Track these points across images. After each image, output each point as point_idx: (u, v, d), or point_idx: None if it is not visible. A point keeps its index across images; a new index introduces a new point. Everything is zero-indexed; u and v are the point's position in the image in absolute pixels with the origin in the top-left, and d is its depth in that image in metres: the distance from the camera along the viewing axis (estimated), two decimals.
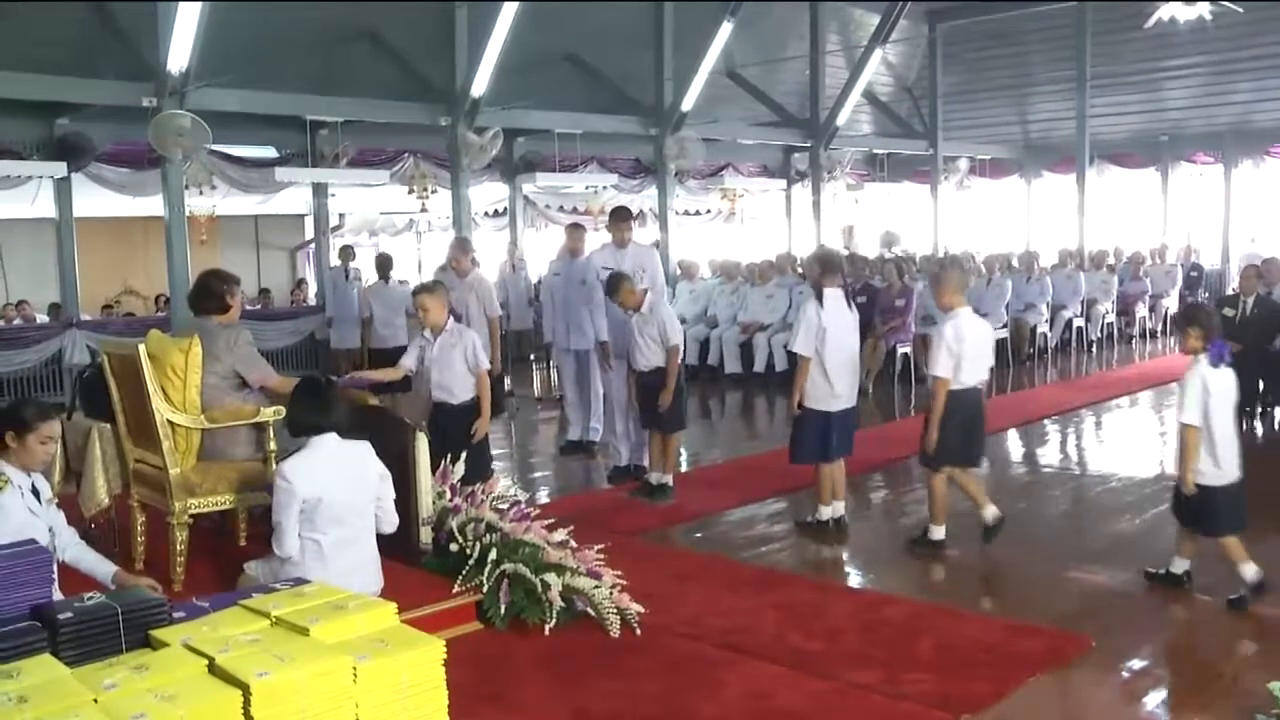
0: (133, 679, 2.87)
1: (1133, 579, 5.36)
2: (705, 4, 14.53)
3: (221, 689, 2.84)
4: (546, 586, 4.65)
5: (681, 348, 7.14)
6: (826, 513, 6.41)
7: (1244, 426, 9.34)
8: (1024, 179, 20.75)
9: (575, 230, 9.18)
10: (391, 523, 4.65)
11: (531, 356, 14.10)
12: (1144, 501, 6.80)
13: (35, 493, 4.12)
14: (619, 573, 4.88)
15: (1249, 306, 9.49)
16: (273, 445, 5.07)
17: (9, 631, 3.07)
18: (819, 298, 6.26)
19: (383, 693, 3.05)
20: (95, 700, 2.76)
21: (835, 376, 6.23)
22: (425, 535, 5.10)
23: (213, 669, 2.94)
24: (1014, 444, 8.98)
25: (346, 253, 13.04)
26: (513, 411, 8.59)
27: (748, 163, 18.12)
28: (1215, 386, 4.95)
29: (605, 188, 15.68)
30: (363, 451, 4.56)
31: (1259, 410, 9.63)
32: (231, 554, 5.35)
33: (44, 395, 11.02)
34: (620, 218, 8.07)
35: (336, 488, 4.39)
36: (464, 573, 4.73)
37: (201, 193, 12.10)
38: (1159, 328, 15.80)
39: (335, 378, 5.93)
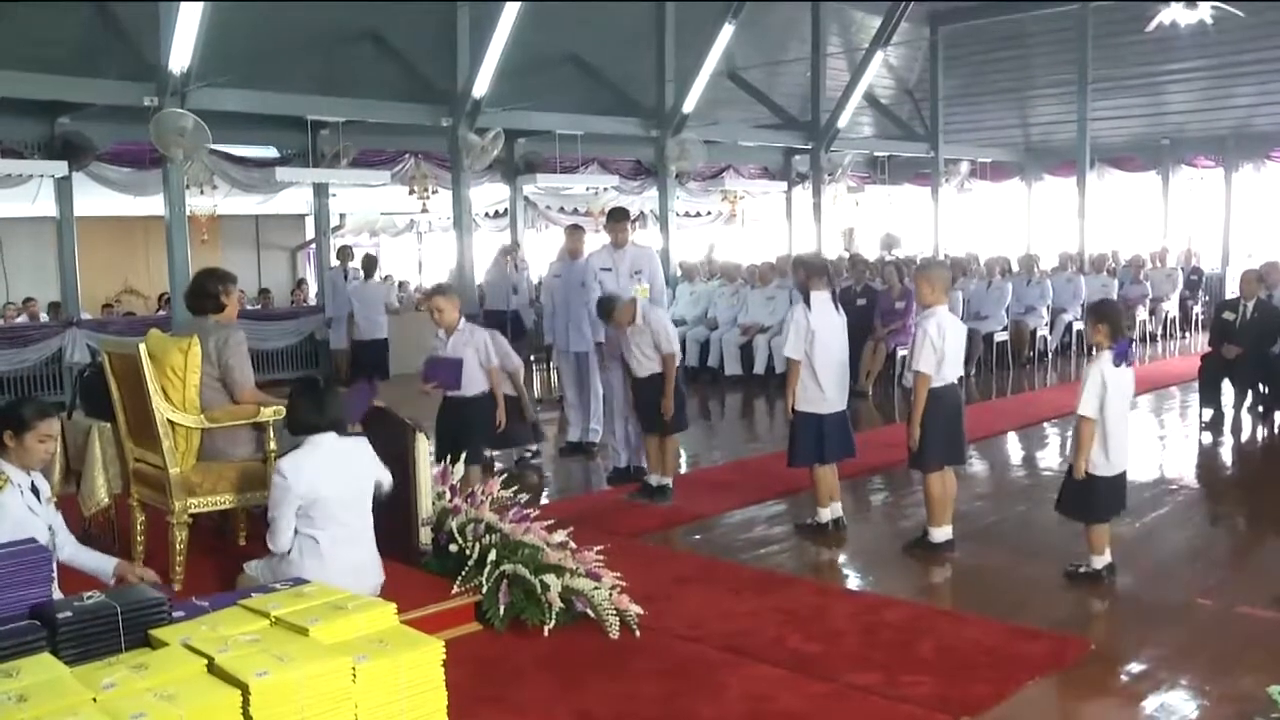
0: (132, 678, 2.87)
1: (1133, 582, 5.37)
2: (707, 5, 14.53)
3: (221, 689, 2.84)
4: (546, 588, 4.65)
5: (678, 355, 7.08)
6: (825, 515, 6.40)
7: (1243, 429, 9.36)
8: (1025, 182, 20.75)
9: (575, 232, 9.19)
10: (387, 480, 4.70)
11: (532, 358, 14.10)
12: (1143, 505, 6.79)
13: (35, 491, 4.12)
14: (619, 574, 4.88)
15: (1249, 310, 9.49)
16: (273, 445, 5.07)
17: (8, 630, 3.07)
18: (806, 301, 6.30)
19: (382, 693, 3.04)
20: (94, 699, 2.76)
21: (825, 379, 6.24)
22: (425, 536, 5.10)
23: (212, 669, 2.94)
24: (1014, 447, 8.98)
25: (345, 253, 13.07)
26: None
27: (748, 165, 18.12)
28: (1113, 383, 5.18)
29: (606, 189, 15.68)
30: (360, 448, 4.58)
31: (1259, 413, 9.63)
32: (231, 554, 5.35)
33: (44, 394, 11.02)
34: (618, 218, 8.06)
35: (334, 485, 4.40)
36: (463, 573, 4.73)
37: (202, 192, 12.11)
38: (1159, 331, 15.81)
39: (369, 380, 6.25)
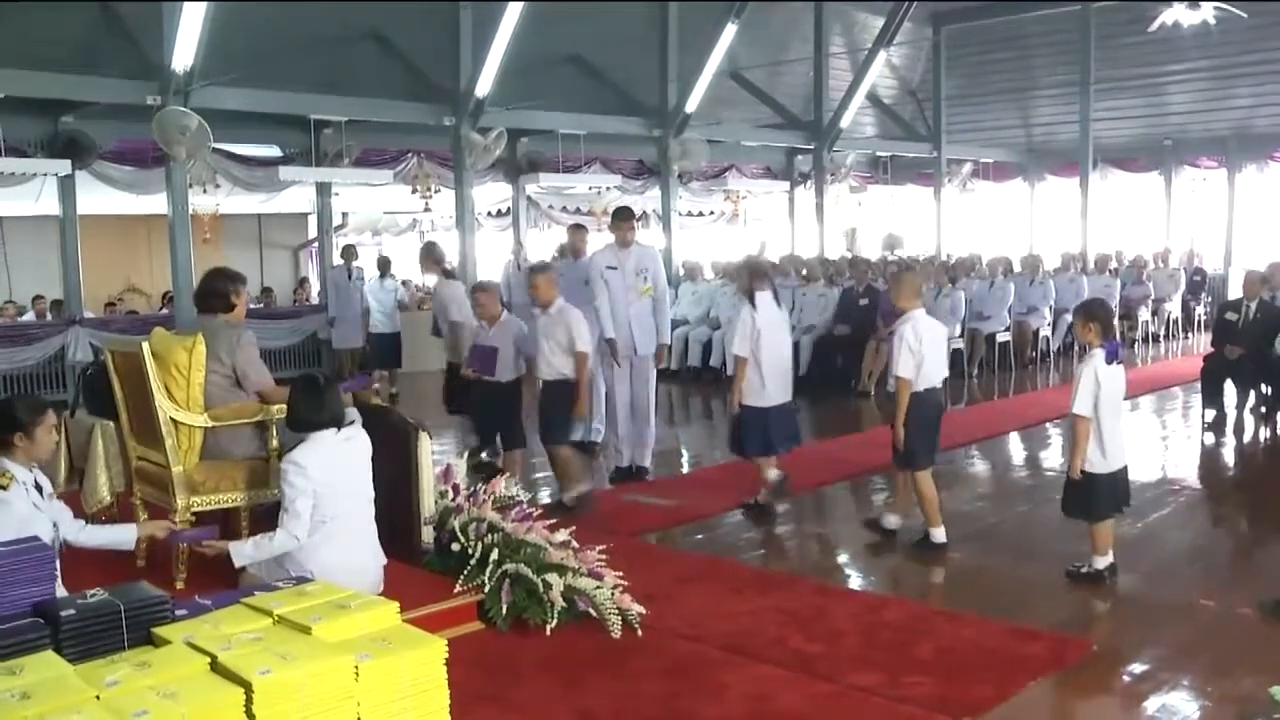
0: (135, 676, 2.87)
1: (1134, 583, 5.37)
2: (709, 5, 14.53)
3: (223, 687, 2.85)
4: (548, 587, 4.66)
5: (590, 356, 6.93)
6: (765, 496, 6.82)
7: (1245, 430, 9.35)
8: (1027, 182, 20.74)
9: (578, 230, 9.20)
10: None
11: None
12: (1145, 506, 6.80)
13: (38, 488, 4.14)
14: (620, 573, 4.88)
15: (1252, 311, 9.48)
16: (275, 443, 5.07)
17: (11, 628, 3.08)
18: (751, 302, 6.61)
19: (384, 692, 3.05)
20: (97, 697, 2.77)
21: (769, 374, 6.62)
22: (427, 535, 5.11)
23: (215, 667, 2.94)
24: (1016, 447, 8.98)
25: (349, 252, 13.07)
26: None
27: (751, 164, 18.12)
28: (1106, 382, 5.26)
29: (608, 188, 15.69)
30: (357, 435, 4.63)
31: (1261, 414, 9.62)
32: None
33: (46, 393, 11.02)
34: (623, 218, 8.07)
35: (337, 480, 4.44)
36: (466, 572, 4.74)
37: (205, 191, 12.11)
38: (1161, 332, 15.79)
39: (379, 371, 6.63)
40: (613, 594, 4.73)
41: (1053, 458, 8.75)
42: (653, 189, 16.00)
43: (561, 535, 5.07)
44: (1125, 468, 5.44)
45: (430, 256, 9.24)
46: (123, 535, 4.42)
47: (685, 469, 8.46)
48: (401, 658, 3.10)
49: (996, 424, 9.50)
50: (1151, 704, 4.03)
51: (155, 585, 3.46)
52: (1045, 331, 13.89)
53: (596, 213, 16.00)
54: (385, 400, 7.58)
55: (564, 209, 16.81)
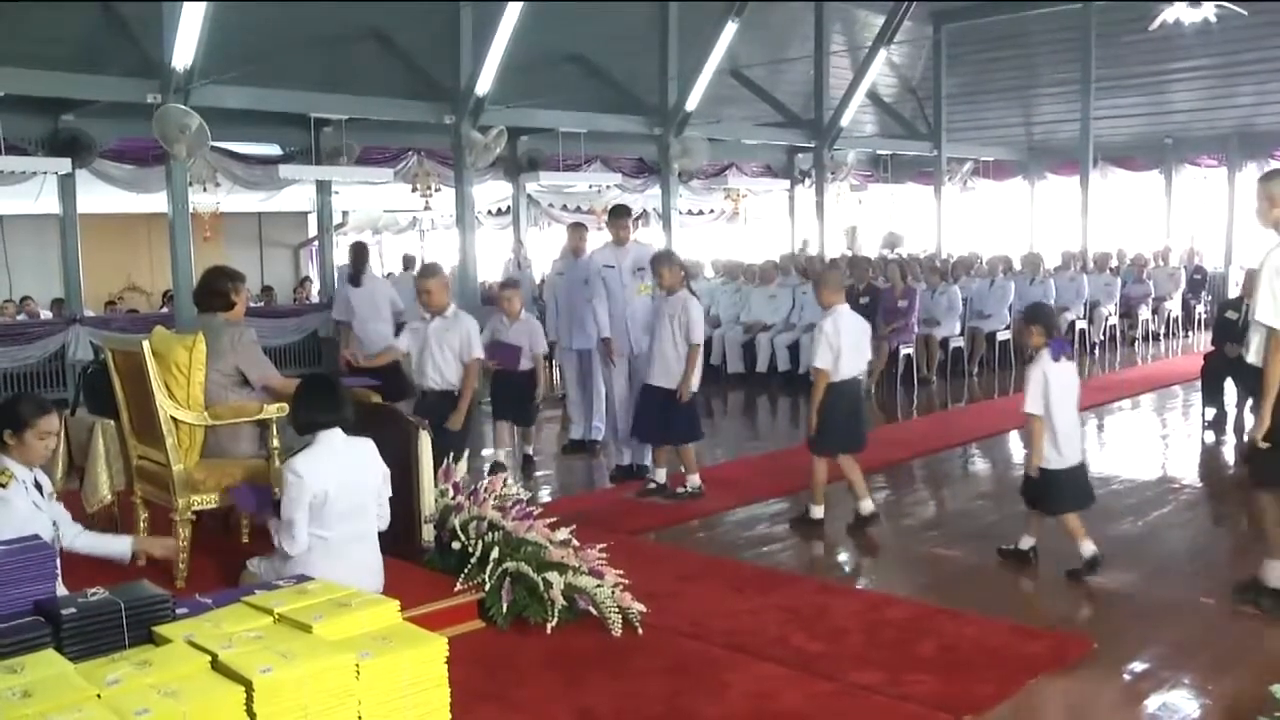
0: (136, 675, 2.87)
1: (1135, 581, 5.37)
2: (710, 4, 14.52)
3: (224, 685, 2.84)
4: (549, 585, 4.66)
5: (479, 363, 6.79)
6: (694, 480, 7.13)
7: (1246, 429, 9.35)
8: (1028, 181, 20.72)
9: (577, 229, 9.20)
10: (385, 519, 4.67)
11: None
12: (1146, 504, 6.80)
13: (38, 487, 4.13)
14: (621, 572, 4.88)
15: (1252, 310, 9.46)
16: (276, 443, 5.07)
17: (12, 627, 3.08)
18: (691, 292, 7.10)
19: (385, 690, 3.05)
20: (98, 696, 2.76)
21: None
22: (428, 533, 5.11)
23: (216, 665, 2.94)
24: (1017, 446, 8.96)
25: (358, 251, 13.03)
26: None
27: (751, 163, 18.11)
28: (1056, 379, 5.39)
29: (609, 187, 15.67)
30: (367, 449, 4.56)
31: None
32: (234, 551, 5.35)
33: (47, 391, 11.01)
34: (619, 215, 8.07)
35: (342, 484, 4.40)
36: (466, 571, 4.73)
37: (205, 189, 12.10)
38: (1162, 330, 15.79)
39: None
40: (613, 592, 4.73)
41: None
42: (653, 187, 15.99)
43: (562, 534, 5.07)
44: (1083, 464, 5.59)
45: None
46: (117, 548, 4.32)
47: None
48: (402, 656, 3.09)
49: (997, 423, 9.49)
50: (1152, 702, 4.03)
51: (156, 584, 3.45)
52: None
53: (597, 211, 16.00)
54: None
55: (564, 207, 16.80)
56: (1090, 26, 17.22)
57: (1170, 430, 9.55)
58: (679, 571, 5.59)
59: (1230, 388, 9.54)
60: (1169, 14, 12.66)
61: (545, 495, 7.50)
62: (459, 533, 4.94)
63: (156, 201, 11.99)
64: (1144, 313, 15.36)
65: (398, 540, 4.90)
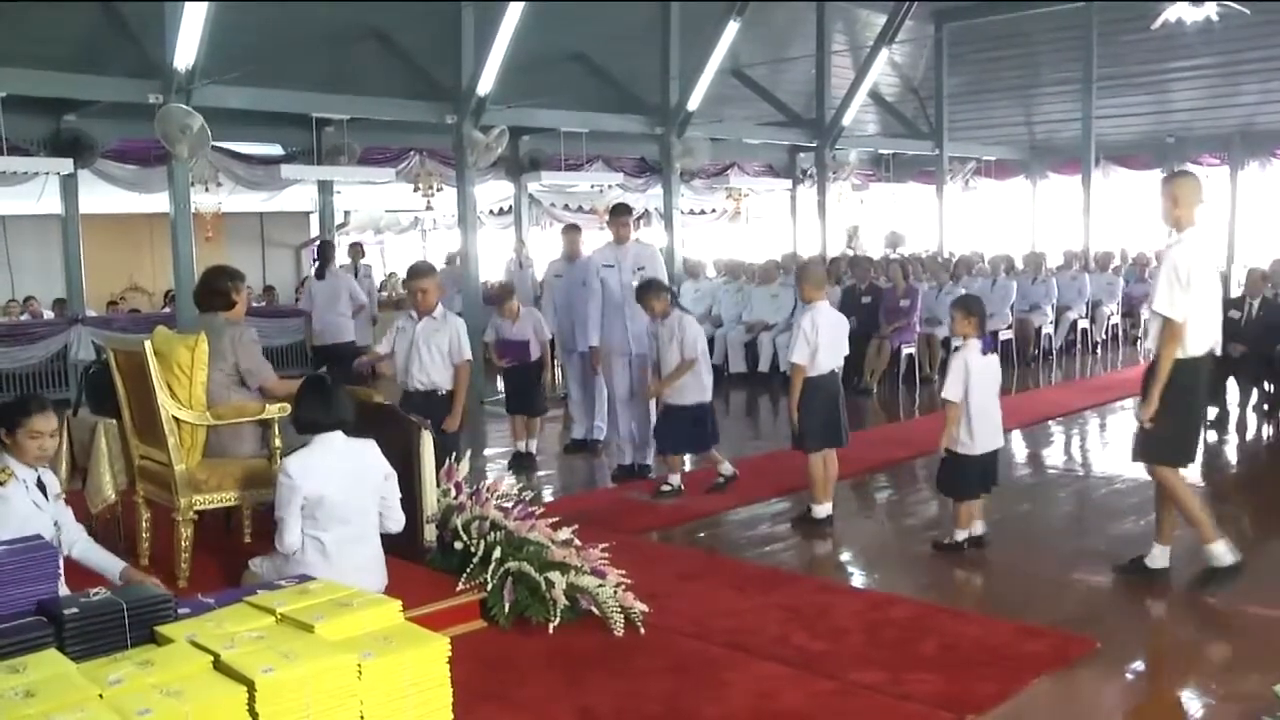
0: (138, 675, 2.87)
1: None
2: (711, 3, 14.51)
3: (226, 685, 2.85)
4: (550, 585, 4.65)
5: (470, 365, 6.68)
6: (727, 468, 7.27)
7: (1248, 428, 9.34)
8: (1029, 180, 20.71)
9: (571, 232, 9.23)
10: (398, 521, 4.65)
11: None
12: (1148, 504, 6.75)
13: (42, 487, 4.12)
14: (623, 572, 4.88)
15: (1254, 309, 9.47)
16: (278, 442, 5.07)
17: (15, 627, 3.08)
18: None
19: (387, 690, 3.05)
20: (101, 695, 2.77)
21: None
22: (430, 533, 5.11)
23: (218, 665, 2.94)
24: (1018, 445, 8.97)
25: (355, 250, 13.07)
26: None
27: (753, 162, 18.10)
28: (976, 370, 5.66)
29: (610, 186, 15.67)
30: (368, 450, 4.56)
31: (1264, 411, 9.61)
32: (236, 551, 5.36)
33: (49, 391, 11.03)
34: (620, 214, 8.07)
35: (340, 486, 4.40)
36: (468, 571, 4.74)
37: (207, 189, 12.11)
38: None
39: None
40: (615, 592, 4.73)
41: (1055, 455, 8.76)
42: (655, 187, 15.98)
43: (564, 534, 5.07)
44: (997, 451, 5.87)
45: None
46: (110, 567, 4.26)
47: (687, 467, 8.45)
48: (404, 656, 3.10)
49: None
50: (1155, 701, 4.03)
51: (158, 584, 3.46)
52: (1048, 329, 13.89)
53: (599, 211, 16.00)
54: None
55: (566, 207, 16.80)
56: (1092, 25, 17.21)
57: None
58: (680, 571, 5.60)
59: (1232, 387, 9.54)
60: (1171, 13, 12.64)
61: (547, 495, 7.50)
62: (461, 532, 4.94)
63: (158, 201, 11.99)
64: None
65: (400, 540, 4.90)
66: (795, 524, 6.52)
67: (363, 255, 13.06)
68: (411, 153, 13.85)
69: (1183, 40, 15.81)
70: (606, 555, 5.00)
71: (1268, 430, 9.35)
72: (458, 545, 4.91)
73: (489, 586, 4.70)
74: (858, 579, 5.81)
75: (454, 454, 5.48)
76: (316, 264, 10.91)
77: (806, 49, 17.02)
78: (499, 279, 13.83)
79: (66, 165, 11.11)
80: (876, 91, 18.96)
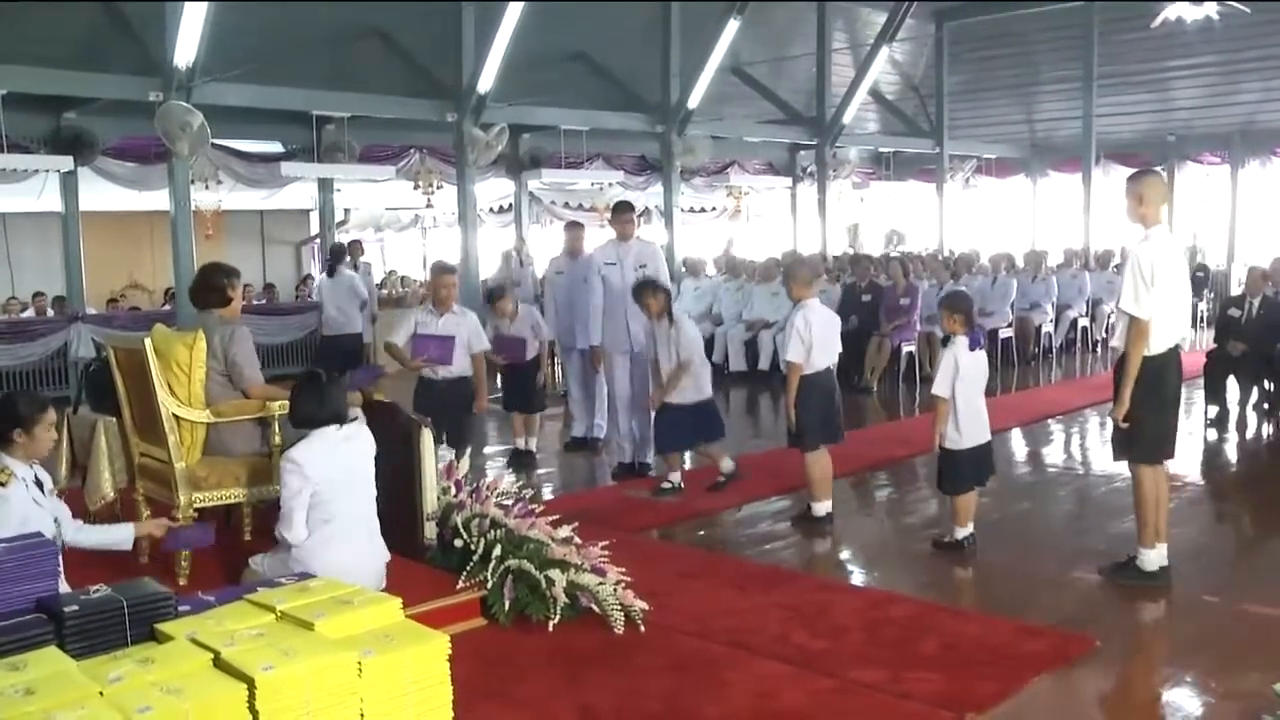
0: (138, 672, 2.87)
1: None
2: (712, 2, 14.51)
3: (226, 683, 2.85)
4: (551, 583, 4.65)
5: (485, 354, 7.28)
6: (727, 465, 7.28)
7: (1248, 427, 9.34)
8: (1030, 178, 20.72)
9: (574, 229, 9.22)
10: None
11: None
12: None
13: (39, 484, 4.14)
14: (623, 570, 4.88)
15: (1255, 308, 9.47)
16: (277, 439, 5.07)
17: (15, 624, 3.08)
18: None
19: (387, 687, 3.05)
20: (101, 693, 2.77)
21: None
22: (430, 531, 5.11)
23: (218, 663, 2.94)
24: (1018, 444, 8.97)
25: (355, 248, 13.08)
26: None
27: (753, 160, 18.11)
28: (965, 366, 5.72)
29: (611, 184, 15.68)
30: (360, 433, 4.63)
31: (1264, 410, 9.61)
32: (237, 548, 5.35)
33: (48, 389, 11.02)
34: (623, 211, 8.06)
35: (338, 476, 4.45)
36: (468, 569, 4.73)
37: (207, 187, 12.12)
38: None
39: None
40: (615, 590, 4.73)
41: (1055, 454, 8.76)
42: (655, 185, 15.99)
43: (564, 531, 5.07)
44: (988, 444, 5.89)
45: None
46: (119, 535, 4.38)
47: (688, 465, 8.46)
48: (404, 654, 3.10)
49: (999, 420, 9.36)
50: (1155, 700, 4.03)
51: (158, 581, 3.46)
52: (1048, 328, 13.88)
53: (599, 209, 16.00)
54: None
55: (566, 205, 16.81)
56: (1092, 24, 17.22)
57: None
58: (681, 569, 5.59)
59: (1233, 385, 9.54)
60: (1171, 11, 12.66)
61: (547, 493, 7.50)
62: (461, 530, 4.94)
63: (158, 199, 12.01)
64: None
65: (400, 537, 4.90)
66: (795, 522, 6.52)
67: (361, 253, 13.06)
68: (412, 150, 13.86)
69: (1183, 39, 15.82)
70: (607, 553, 4.99)
71: (1268, 429, 9.35)
72: (458, 543, 4.91)
73: (489, 584, 4.70)
74: (858, 577, 5.80)
75: (466, 439, 6.51)
76: (329, 263, 11.81)
77: (807, 47, 17.03)
78: (492, 275, 13.84)
79: (67, 163, 11.11)
80: (877, 90, 18.97)
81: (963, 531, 5.83)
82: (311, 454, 4.40)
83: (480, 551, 4.78)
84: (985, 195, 21.06)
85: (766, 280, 12.83)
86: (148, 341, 4.88)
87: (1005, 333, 13.14)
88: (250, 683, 2.82)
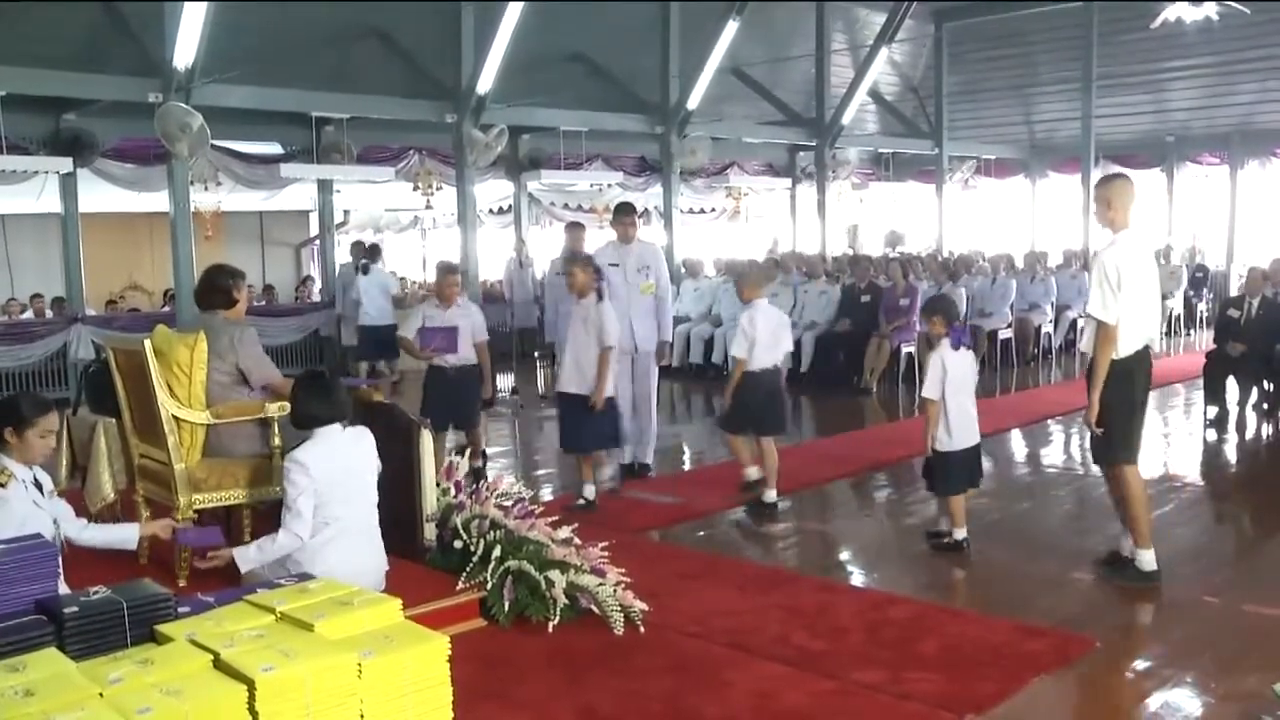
0: (138, 673, 2.86)
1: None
2: (711, 3, 14.52)
3: (226, 684, 2.84)
4: (550, 584, 4.65)
5: (487, 342, 7.64)
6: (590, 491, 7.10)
7: (1248, 427, 9.35)
8: (1029, 179, 20.72)
9: (575, 229, 9.23)
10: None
11: (536, 354, 14.12)
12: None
13: (38, 485, 4.13)
14: (623, 570, 4.88)
15: (1254, 308, 9.47)
16: (277, 441, 5.07)
17: (14, 625, 3.07)
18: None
19: (387, 689, 3.05)
20: (100, 694, 2.76)
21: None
22: (429, 532, 5.11)
23: (218, 664, 2.94)
24: (1018, 444, 8.97)
25: (358, 248, 13.11)
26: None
27: (753, 161, 18.11)
28: (953, 368, 5.77)
29: (610, 185, 15.68)
30: (362, 437, 4.64)
31: (1263, 411, 9.61)
32: None
33: (48, 390, 11.01)
34: (625, 213, 8.05)
35: (340, 477, 4.45)
36: (468, 570, 4.73)
37: (207, 188, 12.13)
38: (1164, 328, 15.77)
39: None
40: (615, 591, 4.73)
41: (1055, 454, 8.76)
42: (654, 186, 15.99)
43: (564, 532, 5.07)
44: (977, 446, 5.92)
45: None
46: (125, 534, 4.43)
47: (687, 466, 8.46)
48: (404, 655, 3.09)
49: (999, 421, 9.48)
50: (1155, 701, 4.03)
51: (158, 582, 3.45)
52: (1047, 328, 13.89)
53: (598, 210, 16.00)
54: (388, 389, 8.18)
55: (565, 206, 16.81)
56: (1092, 25, 17.21)
57: (1172, 429, 9.54)
58: (681, 570, 5.59)
59: (1232, 386, 9.54)
60: (1170, 12, 12.66)
61: (547, 494, 7.49)
62: (461, 531, 4.94)
63: (158, 200, 12.01)
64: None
65: (400, 538, 4.90)
66: (750, 511, 6.76)
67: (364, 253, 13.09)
68: (411, 151, 13.86)
69: (1182, 40, 15.82)
70: (606, 554, 4.99)
71: (1267, 429, 9.35)
72: (457, 544, 4.91)
73: (489, 585, 4.70)
74: (857, 578, 5.80)
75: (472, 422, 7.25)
76: (364, 261, 12.67)
77: (806, 48, 17.04)
78: (497, 278, 13.90)
79: (66, 164, 11.11)
80: (876, 90, 18.97)
81: (961, 533, 5.87)
82: (316, 455, 4.40)
83: (480, 552, 4.78)
84: (984, 196, 21.06)
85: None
86: (147, 343, 4.87)
87: (1005, 333, 13.14)
88: (250, 684, 2.82)
